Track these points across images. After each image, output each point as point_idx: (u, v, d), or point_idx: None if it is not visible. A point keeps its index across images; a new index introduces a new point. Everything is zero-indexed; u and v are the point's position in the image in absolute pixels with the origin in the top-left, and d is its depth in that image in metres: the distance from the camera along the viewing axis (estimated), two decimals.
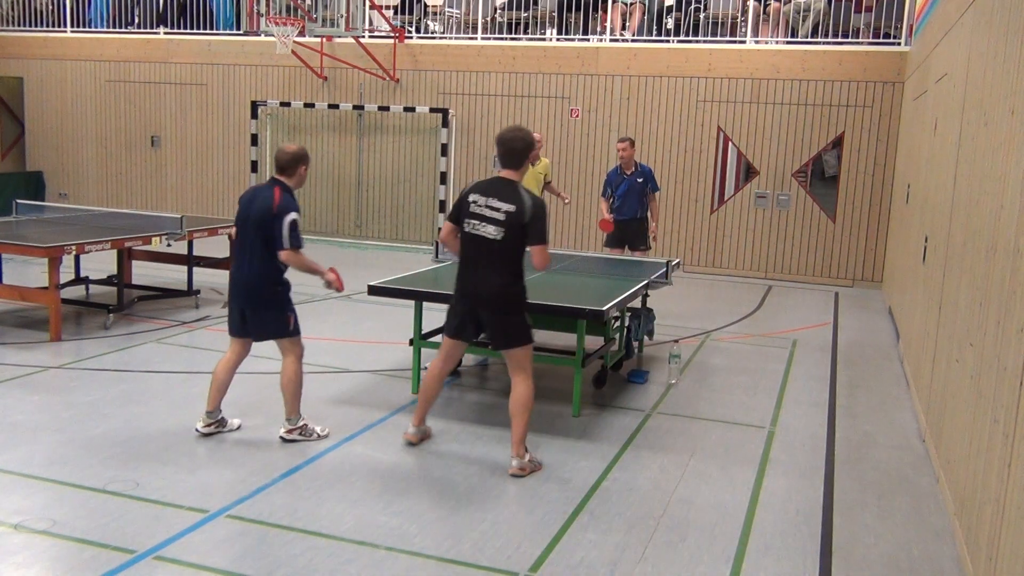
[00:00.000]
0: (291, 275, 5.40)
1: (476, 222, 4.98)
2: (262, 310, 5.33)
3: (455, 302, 5.25)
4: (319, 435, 5.49)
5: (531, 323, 5.25)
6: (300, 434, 5.43)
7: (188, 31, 15.54)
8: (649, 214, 9.51)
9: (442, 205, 14.21)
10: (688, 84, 12.96)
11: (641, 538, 4.36)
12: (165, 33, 15.66)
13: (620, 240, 9.49)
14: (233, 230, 5.49)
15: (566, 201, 10.51)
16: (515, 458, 5.09)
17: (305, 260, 5.23)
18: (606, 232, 9.53)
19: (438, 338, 7.04)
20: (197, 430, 5.48)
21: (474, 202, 4.99)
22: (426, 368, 6.93)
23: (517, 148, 4.99)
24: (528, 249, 5.02)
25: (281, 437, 5.42)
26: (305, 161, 5.33)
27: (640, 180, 9.38)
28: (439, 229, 14.09)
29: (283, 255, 5.15)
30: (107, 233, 8.58)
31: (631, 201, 9.40)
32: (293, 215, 5.13)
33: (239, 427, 5.61)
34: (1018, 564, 3.15)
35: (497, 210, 4.93)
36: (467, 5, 14.72)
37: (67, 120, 16.50)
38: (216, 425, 5.50)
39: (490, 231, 4.94)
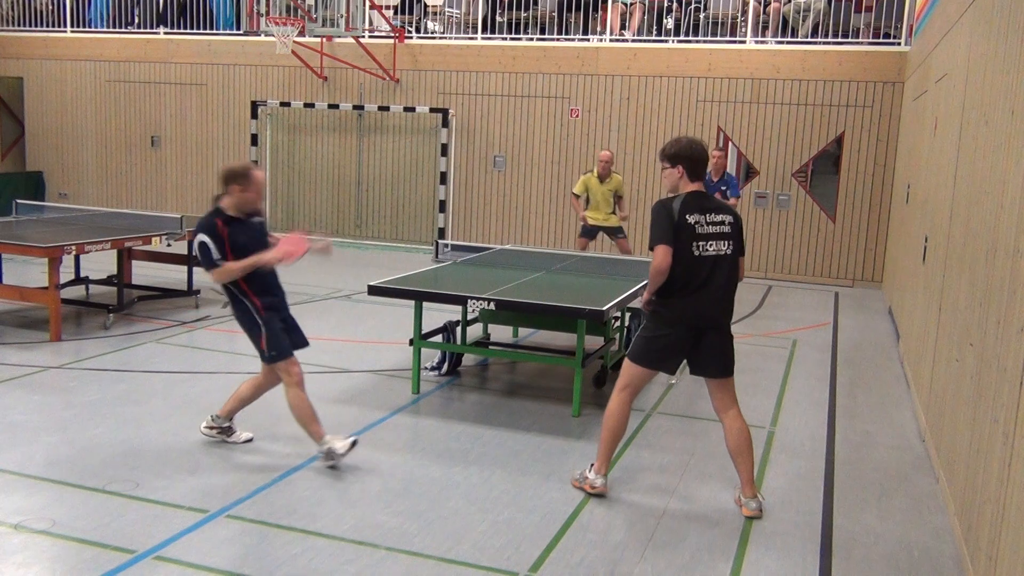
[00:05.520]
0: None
1: (704, 243, 4.56)
2: (243, 329, 5.13)
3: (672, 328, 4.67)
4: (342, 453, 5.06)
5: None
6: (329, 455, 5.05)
7: (188, 31, 15.54)
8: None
9: (442, 205, 14.21)
10: (688, 84, 12.96)
11: (641, 538, 4.36)
12: (165, 33, 15.66)
13: None
14: None
15: (623, 217, 10.33)
16: (752, 499, 4.69)
17: (230, 270, 4.93)
18: None
19: (438, 338, 7.07)
20: (201, 430, 5.37)
21: (697, 223, 4.55)
22: (426, 368, 6.93)
23: (705, 159, 4.70)
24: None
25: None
26: (238, 180, 4.99)
27: (724, 188, 10.16)
28: (439, 229, 14.15)
29: (210, 278, 5.01)
30: (107, 233, 8.58)
31: None
32: (200, 237, 4.92)
33: (248, 440, 5.39)
34: (1018, 564, 3.15)
35: (723, 223, 4.62)
36: (467, 5, 14.72)
37: (67, 120, 16.50)
38: (219, 432, 5.34)
39: (722, 247, 4.60)
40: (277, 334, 5.08)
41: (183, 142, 15.83)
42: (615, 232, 10.32)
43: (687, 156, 4.62)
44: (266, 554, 4.03)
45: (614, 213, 10.13)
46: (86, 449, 5.19)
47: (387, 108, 14.25)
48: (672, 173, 4.65)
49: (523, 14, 14.09)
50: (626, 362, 4.78)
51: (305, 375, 5.17)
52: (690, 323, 4.60)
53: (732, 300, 4.71)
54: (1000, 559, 3.42)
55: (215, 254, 4.91)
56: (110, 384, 6.50)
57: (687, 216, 4.52)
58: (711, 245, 4.55)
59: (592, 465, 4.86)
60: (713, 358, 4.69)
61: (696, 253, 4.53)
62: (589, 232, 10.37)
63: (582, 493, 4.86)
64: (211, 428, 5.37)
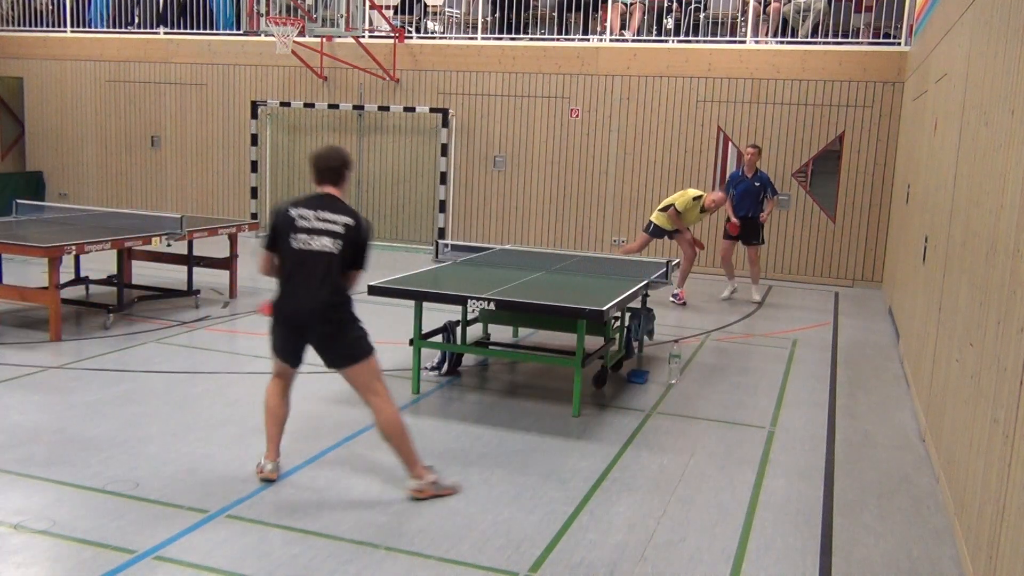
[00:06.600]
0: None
1: (307, 236, 4.58)
2: None
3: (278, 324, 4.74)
4: None
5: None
6: None
7: (188, 31, 15.54)
8: (763, 212, 10.81)
9: (442, 205, 14.21)
10: (688, 84, 12.96)
11: (641, 538, 4.36)
12: (165, 33, 15.66)
13: (737, 236, 10.78)
14: None
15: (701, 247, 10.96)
16: (412, 479, 4.72)
17: None
18: (735, 233, 10.83)
19: (438, 338, 7.07)
20: None
21: (301, 216, 4.61)
22: (426, 368, 6.93)
23: (334, 165, 4.73)
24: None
25: None
26: None
27: (757, 184, 10.64)
28: (439, 229, 14.15)
29: None
30: (107, 233, 8.58)
31: (747, 201, 10.70)
32: None
33: None
34: (1018, 564, 3.15)
35: (334, 223, 4.60)
36: (467, 5, 14.72)
37: (67, 120, 16.50)
38: None
39: (326, 244, 4.57)
40: None
41: (183, 142, 15.83)
42: (675, 231, 10.73)
43: (311, 163, 4.77)
44: (266, 554, 4.03)
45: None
46: (86, 449, 5.18)
47: (387, 108, 14.25)
48: None
49: (523, 14, 14.09)
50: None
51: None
52: (287, 318, 4.65)
53: (334, 300, 4.60)
54: (1000, 559, 3.42)
55: None
56: (110, 384, 6.50)
57: (291, 210, 4.63)
58: (314, 240, 4.57)
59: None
60: (322, 351, 4.69)
61: (295, 246, 4.58)
62: (659, 235, 10.72)
63: (582, 493, 4.85)
64: None
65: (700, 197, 10.39)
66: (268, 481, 4.80)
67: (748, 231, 10.76)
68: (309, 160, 4.80)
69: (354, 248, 4.64)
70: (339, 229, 4.59)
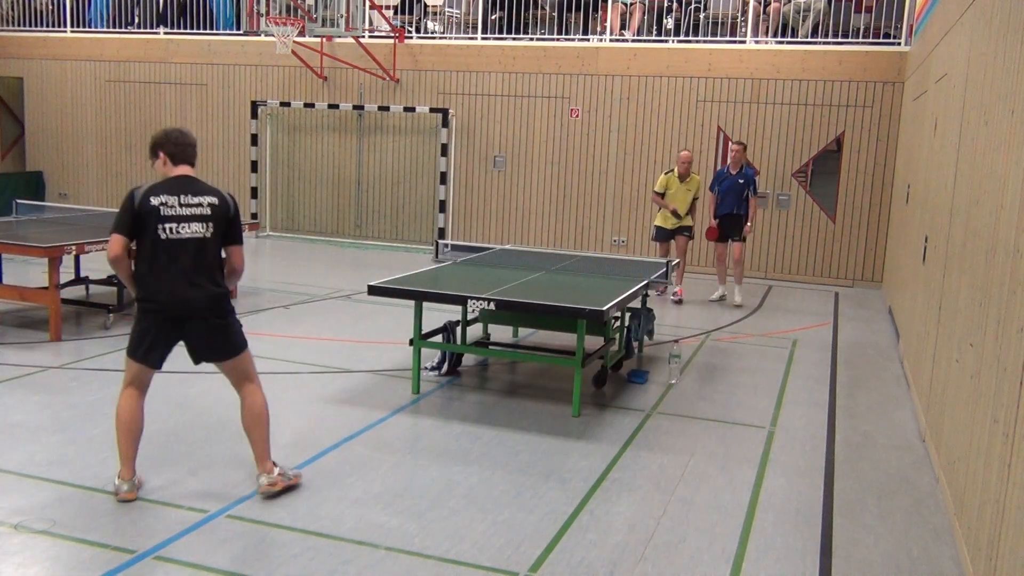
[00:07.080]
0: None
1: (175, 225, 4.41)
2: None
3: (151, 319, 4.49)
4: None
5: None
6: None
7: (188, 31, 15.54)
8: (747, 213, 10.52)
9: (442, 205, 14.21)
10: (688, 84, 12.96)
11: (641, 538, 4.36)
12: (165, 33, 15.66)
13: (723, 235, 10.59)
14: None
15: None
16: (264, 475, 4.61)
17: None
18: (711, 239, 10.73)
19: (438, 338, 7.07)
20: None
21: (164, 204, 4.40)
22: (426, 368, 6.93)
23: (191, 143, 4.59)
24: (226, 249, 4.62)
25: None
26: None
27: (741, 182, 10.42)
28: (439, 229, 14.15)
29: None
30: (107, 233, 8.54)
31: (730, 199, 10.50)
32: None
33: None
34: (1018, 564, 3.15)
35: (200, 205, 4.47)
36: (467, 5, 14.73)
37: (67, 120, 16.51)
38: None
39: (197, 229, 4.45)
40: None
41: None
42: (683, 231, 10.65)
43: (164, 142, 4.54)
44: (266, 554, 4.03)
45: (688, 214, 10.56)
46: (86, 449, 5.19)
47: (387, 108, 14.25)
48: (158, 164, 4.56)
49: (524, 14, 14.08)
50: (125, 358, 4.64)
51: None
52: (167, 312, 4.45)
53: (216, 285, 4.52)
54: (1000, 559, 3.42)
55: None
56: (110, 384, 6.49)
57: (151, 199, 4.40)
58: (184, 227, 4.41)
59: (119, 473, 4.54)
60: (201, 345, 4.56)
61: (163, 236, 4.39)
62: (666, 235, 10.68)
63: (582, 493, 4.86)
64: None
65: (672, 170, 10.50)
66: (128, 502, 4.46)
67: (731, 228, 10.57)
68: (163, 139, 4.53)
69: (226, 224, 4.53)
70: (206, 211, 4.46)
